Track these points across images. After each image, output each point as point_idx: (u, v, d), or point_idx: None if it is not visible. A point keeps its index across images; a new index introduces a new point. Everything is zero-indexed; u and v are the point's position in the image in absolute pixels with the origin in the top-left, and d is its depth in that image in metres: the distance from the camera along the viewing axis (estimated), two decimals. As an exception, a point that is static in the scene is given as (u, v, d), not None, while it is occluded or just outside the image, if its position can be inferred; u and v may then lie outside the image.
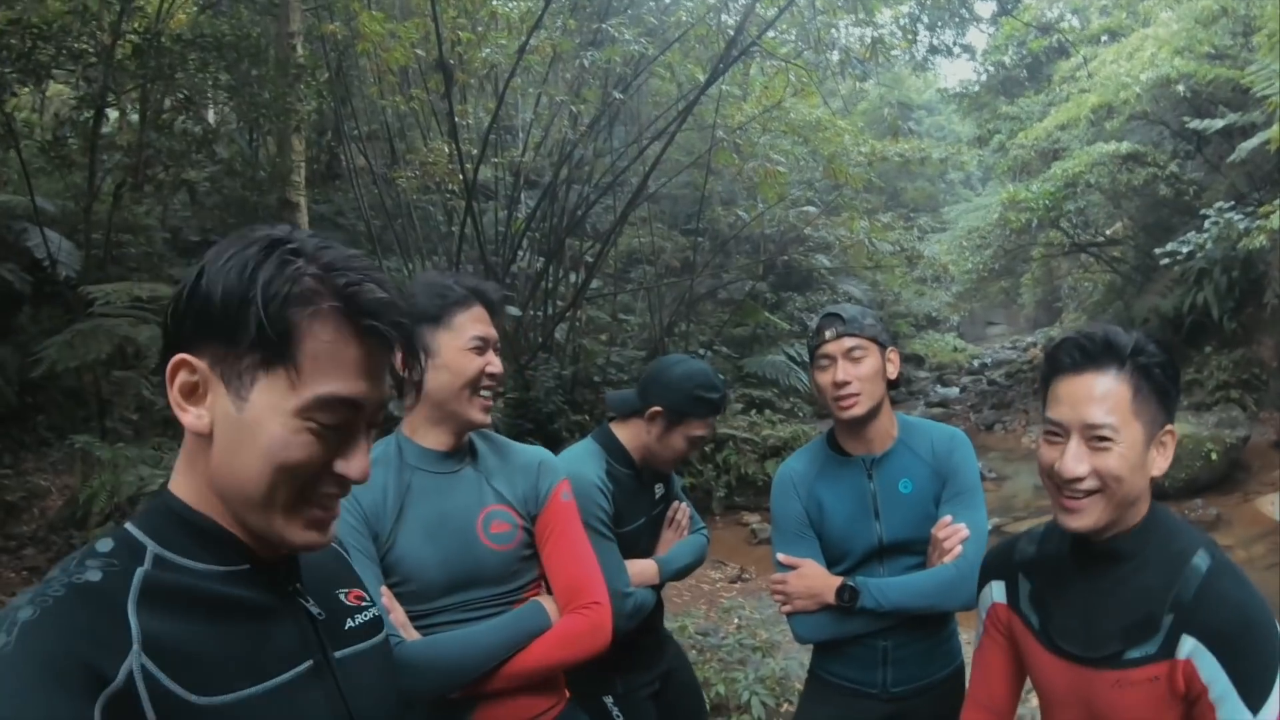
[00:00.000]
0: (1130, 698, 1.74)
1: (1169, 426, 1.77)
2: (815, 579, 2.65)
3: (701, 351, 14.24)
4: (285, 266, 1.10)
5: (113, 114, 9.47)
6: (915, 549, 2.66)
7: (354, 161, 11.93)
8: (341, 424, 1.15)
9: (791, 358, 15.76)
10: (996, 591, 2.07)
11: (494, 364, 2.24)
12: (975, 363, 24.17)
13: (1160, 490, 10.15)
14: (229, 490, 1.16)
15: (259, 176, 10.23)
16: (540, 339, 11.97)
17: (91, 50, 7.49)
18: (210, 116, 11.41)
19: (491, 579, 2.22)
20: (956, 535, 2.56)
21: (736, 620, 6.94)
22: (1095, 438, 1.74)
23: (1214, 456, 10.76)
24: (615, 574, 2.66)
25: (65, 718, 0.96)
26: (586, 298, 13.14)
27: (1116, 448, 1.73)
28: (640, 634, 2.94)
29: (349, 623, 1.36)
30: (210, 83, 8.69)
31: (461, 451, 2.31)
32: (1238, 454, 11.12)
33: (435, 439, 2.27)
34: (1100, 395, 1.74)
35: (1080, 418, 1.75)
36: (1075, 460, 1.75)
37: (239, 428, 1.12)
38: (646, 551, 3.01)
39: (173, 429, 6.83)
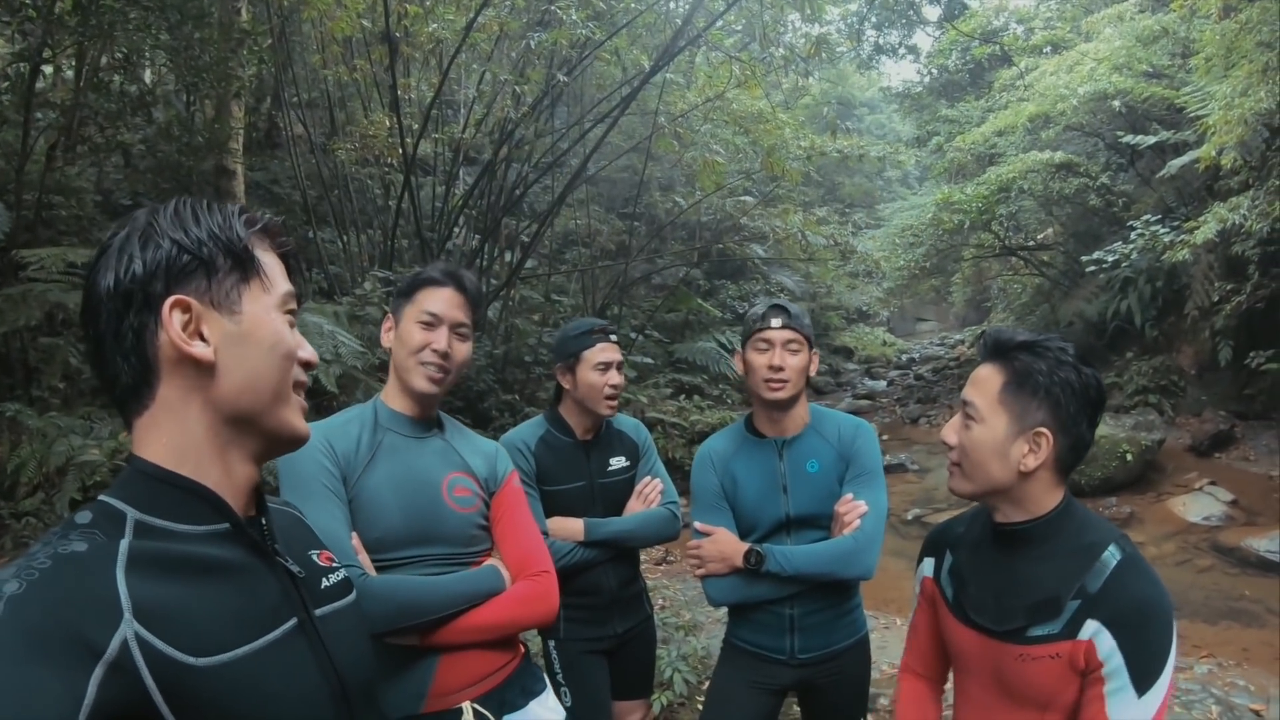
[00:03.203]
0: (1031, 670, 1.90)
1: (1042, 429, 1.90)
2: (726, 544, 2.90)
3: (633, 335, 14.30)
4: (221, 209, 1.32)
5: (48, 70, 9.24)
6: (819, 524, 2.92)
7: (292, 130, 11.77)
8: (292, 315, 1.36)
9: (722, 345, 15.86)
10: (927, 567, 2.26)
11: (438, 341, 2.41)
12: (903, 357, 24.56)
13: (1076, 488, 10.45)
14: (246, 400, 1.28)
15: (195, 141, 10.05)
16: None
17: (30, 3, 7.31)
18: (147, 78, 11.19)
19: (450, 538, 2.38)
20: (856, 511, 2.83)
21: (660, 601, 7.06)
22: (965, 414, 2.00)
23: (1129, 457, 11.06)
24: None
25: (55, 692, 0.96)
26: (521, 277, 13.11)
27: (976, 426, 1.96)
28: (583, 593, 3.25)
29: (324, 582, 1.44)
30: (150, 43, 8.50)
31: (431, 422, 2.51)
32: (1153, 456, 11.44)
33: (402, 404, 2.47)
34: (975, 379, 2.00)
35: (963, 395, 2.02)
36: (949, 427, 2.04)
37: (241, 338, 1.27)
38: (588, 514, 3.27)
39: (101, 398, 6.71)
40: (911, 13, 25.64)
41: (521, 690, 2.46)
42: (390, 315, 2.52)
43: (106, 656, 1.01)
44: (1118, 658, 1.78)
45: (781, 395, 2.89)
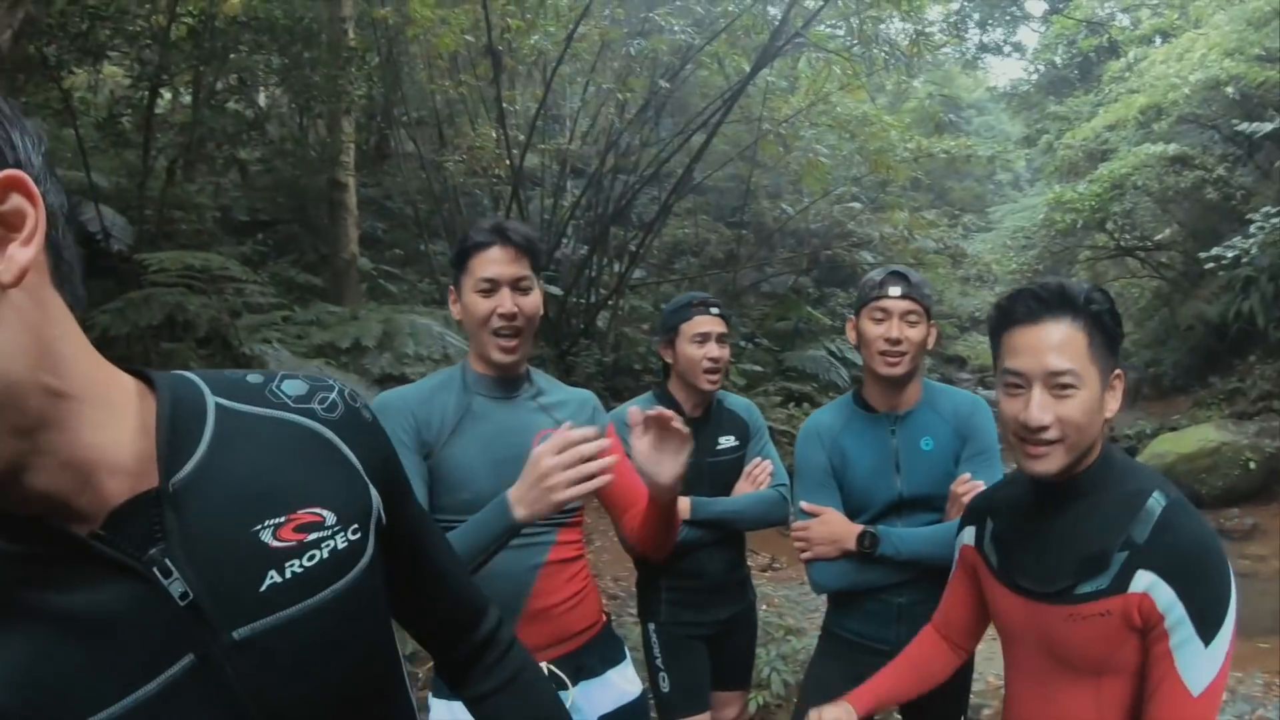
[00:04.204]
0: (1082, 631, 1.79)
1: (1117, 370, 1.83)
2: (837, 525, 2.72)
3: (742, 344, 14.27)
4: None
5: (166, 94, 9.63)
6: (933, 505, 2.74)
7: (402, 146, 12.06)
8: None
9: (832, 353, 15.71)
10: (967, 535, 2.15)
11: (504, 304, 2.29)
12: (1018, 366, 23.95)
13: (1196, 497, 10.03)
14: None
15: (309, 157, 10.37)
16: (582, 325, 12.06)
17: (147, 32, 7.66)
18: (261, 99, 11.58)
19: None
20: (975, 491, 2.56)
21: (764, 606, 6.97)
22: (1059, 385, 1.78)
23: (1253, 466, 10.59)
24: None
25: None
26: (629, 286, 13.20)
27: (1079, 394, 1.77)
28: (687, 575, 3.19)
29: (269, 580, 0.94)
30: (263, 65, 8.83)
31: (520, 380, 2.44)
32: (1277, 464, 10.93)
33: (485, 367, 2.39)
34: (1060, 343, 1.78)
35: (1044, 366, 1.79)
36: (1041, 409, 1.78)
37: None
38: (695, 493, 3.15)
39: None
40: (1015, 9, 25.17)
41: (601, 658, 2.44)
42: (453, 289, 2.43)
43: None
44: (1179, 608, 1.68)
45: (898, 370, 2.70)
